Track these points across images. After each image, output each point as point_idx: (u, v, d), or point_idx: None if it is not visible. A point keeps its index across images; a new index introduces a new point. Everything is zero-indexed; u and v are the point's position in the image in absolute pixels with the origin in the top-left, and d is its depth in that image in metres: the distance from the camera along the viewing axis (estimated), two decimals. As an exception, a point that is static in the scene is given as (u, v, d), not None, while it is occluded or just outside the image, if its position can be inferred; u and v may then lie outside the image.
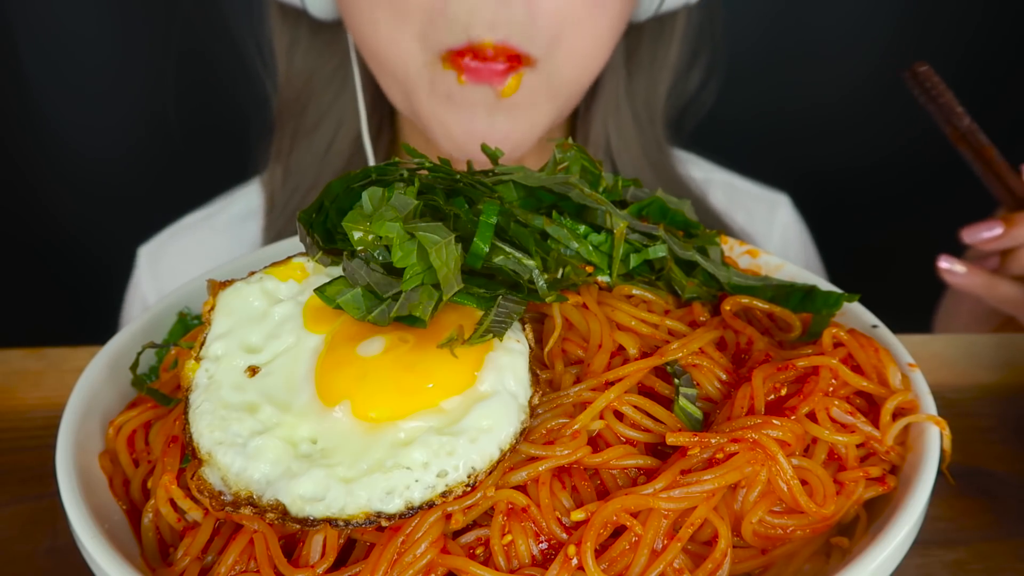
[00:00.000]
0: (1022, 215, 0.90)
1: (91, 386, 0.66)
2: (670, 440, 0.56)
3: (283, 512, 0.52)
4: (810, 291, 0.69)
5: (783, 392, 0.60)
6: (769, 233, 1.28)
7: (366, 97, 1.10)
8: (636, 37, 1.13)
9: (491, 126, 0.96)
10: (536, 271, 0.61)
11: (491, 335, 0.57)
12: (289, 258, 0.64)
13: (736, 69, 1.43)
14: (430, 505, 0.52)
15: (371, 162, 1.12)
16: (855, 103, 1.53)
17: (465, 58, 0.92)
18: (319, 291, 0.58)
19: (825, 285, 0.71)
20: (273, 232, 1.16)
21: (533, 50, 0.93)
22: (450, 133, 0.98)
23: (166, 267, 1.23)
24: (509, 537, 0.53)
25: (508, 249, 0.60)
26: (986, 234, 0.91)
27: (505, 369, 0.57)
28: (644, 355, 0.61)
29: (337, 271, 0.61)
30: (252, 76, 1.19)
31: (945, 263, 0.93)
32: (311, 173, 1.15)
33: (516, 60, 0.93)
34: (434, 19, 0.92)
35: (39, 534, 0.70)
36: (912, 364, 0.64)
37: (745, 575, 0.55)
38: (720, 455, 0.55)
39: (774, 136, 1.56)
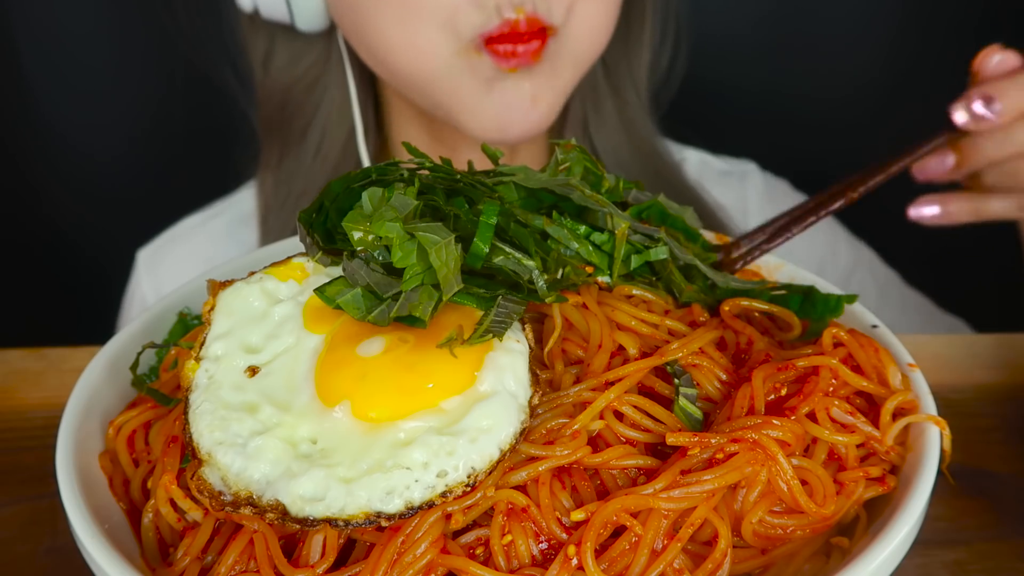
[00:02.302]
0: (967, 139, 0.85)
1: (91, 386, 0.66)
2: (670, 440, 0.56)
3: (283, 512, 0.52)
4: (809, 292, 0.69)
5: (783, 392, 0.60)
6: (745, 205, 1.27)
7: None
8: None
9: (523, 97, 0.98)
10: (536, 271, 0.61)
11: (491, 335, 0.57)
12: (289, 258, 0.64)
13: (738, 61, 1.44)
14: (430, 505, 0.52)
15: (366, 165, 1.11)
16: (858, 100, 1.53)
17: (502, 44, 0.94)
18: (319, 291, 0.58)
19: (824, 286, 0.70)
20: (269, 239, 1.16)
21: (554, 19, 0.96)
22: (486, 120, 0.99)
23: (165, 271, 1.23)
24: (509, 537, 0.53)
25: (508, 249, 0.60)
26: (937, 167, 0.86)
27: (505, 369, 0.57)
28: (644, 355, 0.61)
29: (337, 271, 0.61)
30: (243, 80, 1.19)
31: (912, 210, 0.88)
32: (301, 180, 1.15)
33: (543, 33, 0.96)
34: (460, 7, 0.93)
35: (39, 534, 0.70)
36: (912, 364, 0.63)
37: (745, 575, 0.55)
38: (720, 455, 0.55)
39: (777, 127, 1.55)
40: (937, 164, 0.86)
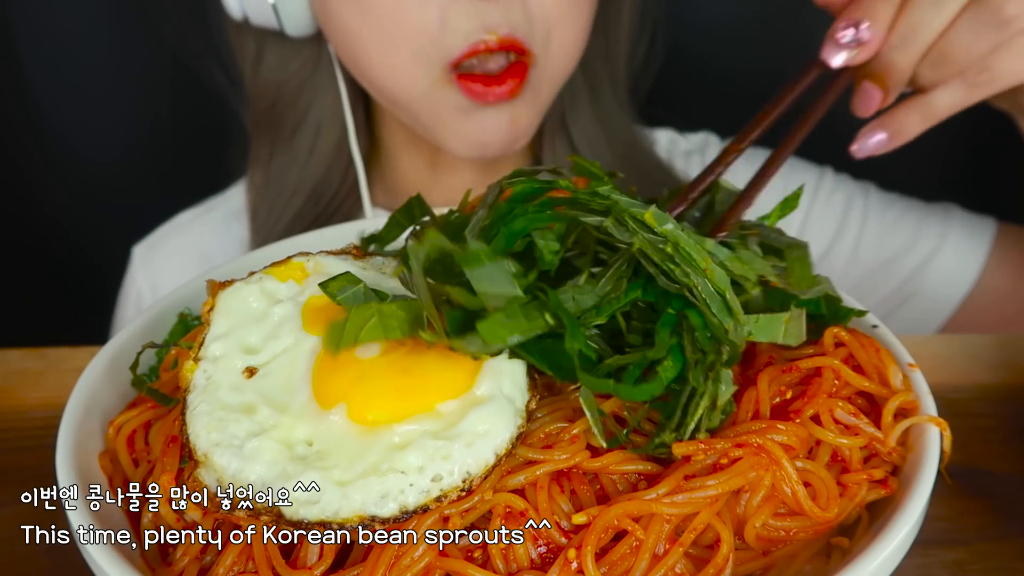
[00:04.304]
0: (873, 63, 0.74)
1: (91, 386, 0.66)
2: (675, 448, 0.55)
3: (278, 514, 0.52)
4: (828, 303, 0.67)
5: (788, 395, 0.59)
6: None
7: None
8: None
9: (502, 121, 0.99)
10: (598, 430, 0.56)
11: None
12: (289, 258, 0.64)
13: (727, 39, 1.43)
14: (424, 509, 0.52)
15: (359, 166, 1.12)
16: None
17: (476, 84, 0.94)
18: (323, 285, 0.58)
19: (847, 300, 0.67)
20: (260, 238, 1.16)
21: (534, 46, 0.96)
22: (467, 140, 1.00)
23: (160, 266, 1.23)
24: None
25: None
26: (870, 102, 0.74)
27: (503, 374, 0.56)
28: (646, 356, 0.61)
29: (337, 269, 0.61)
30: (232, 79, 1.19)
31: (857, 147, 0.75)
32: (293, 177, 1.15)
33: (521, 68, 0.95)
34: (432, 36, 0.94)
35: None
36: (912, 364, 0.63)
37: (746, 576, 0.55)
38: (724, 460, 0.54)
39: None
40: (867, 100, 0.74)
